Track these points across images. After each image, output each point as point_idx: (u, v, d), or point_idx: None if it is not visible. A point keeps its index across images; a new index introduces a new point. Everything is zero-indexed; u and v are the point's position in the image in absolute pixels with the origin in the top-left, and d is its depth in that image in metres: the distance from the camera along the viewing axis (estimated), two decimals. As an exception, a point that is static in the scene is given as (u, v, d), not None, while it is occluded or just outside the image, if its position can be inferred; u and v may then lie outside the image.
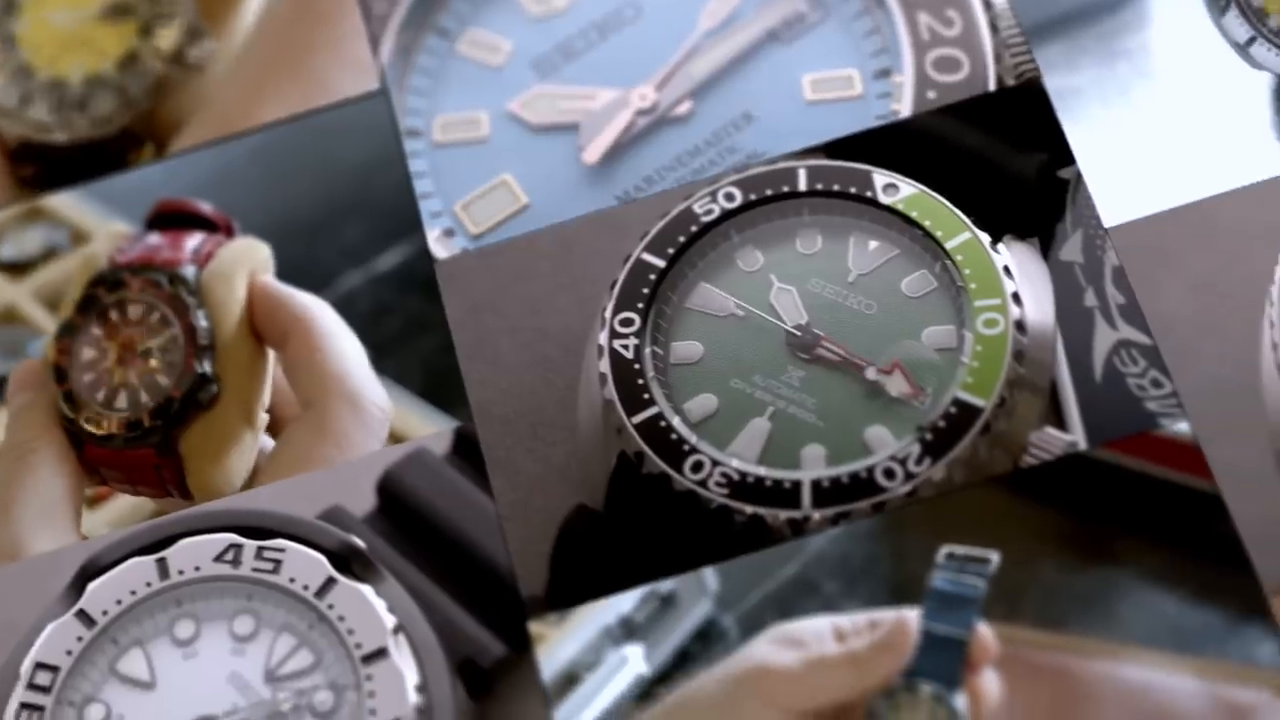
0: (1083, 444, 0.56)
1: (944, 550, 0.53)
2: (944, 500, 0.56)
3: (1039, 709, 0.54)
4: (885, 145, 0.62)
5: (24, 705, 0.57)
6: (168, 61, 0.69)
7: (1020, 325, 0.58)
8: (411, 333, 0.63)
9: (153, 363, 0.62)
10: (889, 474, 0.56)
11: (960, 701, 0.52)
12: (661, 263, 0.60)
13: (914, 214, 0.60)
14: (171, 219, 0.64)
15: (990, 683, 0.52)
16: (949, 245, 0.59)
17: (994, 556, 0.53)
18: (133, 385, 0.61)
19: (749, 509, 0.56)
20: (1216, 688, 0.53)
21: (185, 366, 0.61)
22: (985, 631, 0.52)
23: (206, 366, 0.61)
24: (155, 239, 0.64)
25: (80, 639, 0.57)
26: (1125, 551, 0.55)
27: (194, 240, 0.63)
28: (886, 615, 0.53)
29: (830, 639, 0.53)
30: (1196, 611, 0.54)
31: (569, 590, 0.57)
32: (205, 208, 0.64)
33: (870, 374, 0.58)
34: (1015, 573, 0.55)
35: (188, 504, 0.60)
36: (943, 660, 0.53)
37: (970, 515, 0.56)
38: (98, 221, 0.68)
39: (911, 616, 0.53)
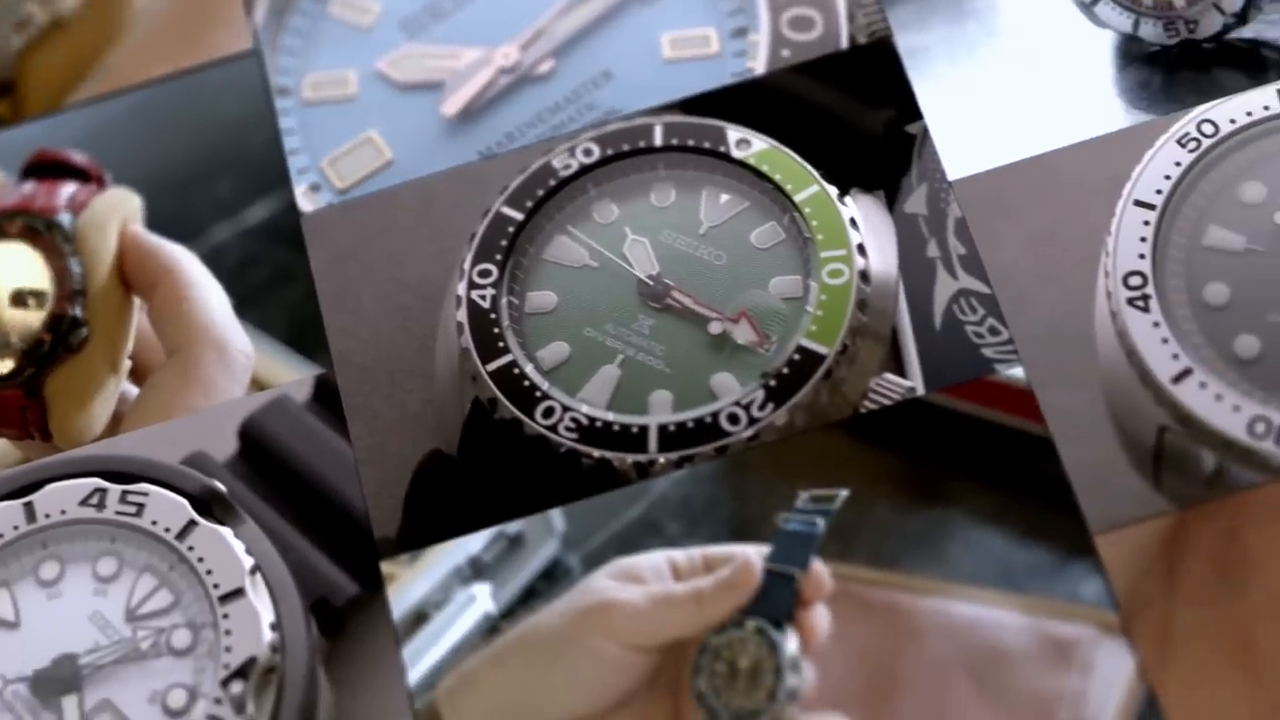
0: (921, 389, 0.57)
1: (805, 494, 0.54)
2: (785, 444, 0.57)
3: (870, 644, 0.54)
4: (740, 102, 0.63)
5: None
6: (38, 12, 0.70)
7: (864, 275, 0.59)
8: (277, 283, 0.63)
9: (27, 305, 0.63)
10: (733, 419, 0.57)
11: (788, 638, 0.53)
12: (520, 216, 0.61)
13: (765, 168, 0.61)
14: (46, 169, 0.65)
15: (820, 618, 0.53)
16: (798, 198, 0.60)
17: (841, 494, 0.54)
18: (3, 328, 0.63)
19: (596, 453, 0.57)
20: (1041, 623, 0.54)
21: (57, 309, 0.62)
22: (819, 569, 0.53)
23: (78, 310, 0.62)
24: (30, 187, 0.64)
25: (-54, 581, 0.59)
26: (957, 493, 0.56)
27: (68, 189, 0.64)
28: (722, 550, 0.54)
29: (668, 574, 0.54)
30: (1024, 550, 0.55)
31: (421, 532, 0.58)
32: (79, 158, 0.65)
33: (718, 323, 0.59)
34: (851, 513, 0.55)
35: (48, 448, 0.61)
36: (776, 596, 0.54)
37: (810, 458, 0.57)
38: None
39: (755, 555, 0.54)
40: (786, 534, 0.54)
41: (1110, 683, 0.53)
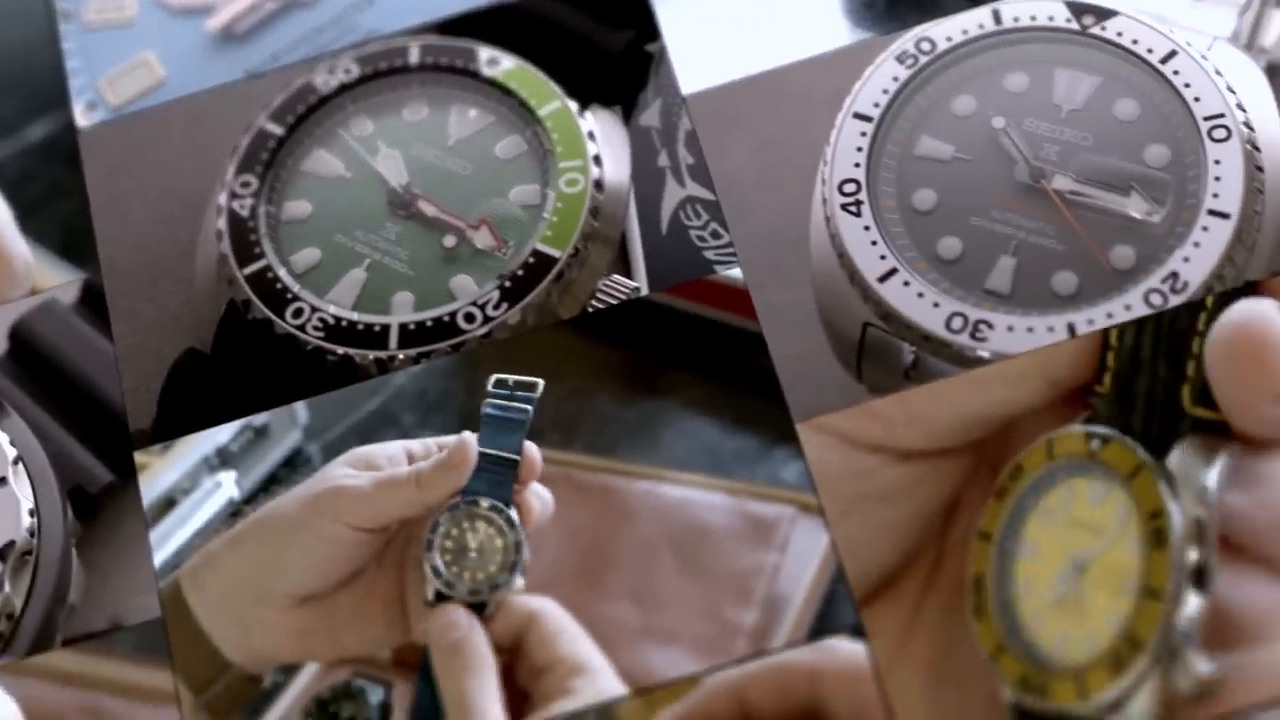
0: (645, 289, 0.60)
1: (492, 378, 0.57)
2: (517, 340, 0.59)
3: (585, 524, 0.57)
4: (493, 24, 0.65)
5: None
6: None
7: (598, 184, 0.61)
8: (54, 197, 0.65)
9: None
10: (469, 318, 0.59)
11: (513, 514, 0.56)
12: (281, 130, 0.63)
13: (512, 85, 0.63)
14: None
15: (536, 497, 0.56)
16: (541, 113, 0.62)
17: (540, 383, 0.56)
18: None
19: (341, 350, 0.59)
20: (744, 503, 0.56)
21: None
22: (532, 451, 0.56)
23: None
24: None
25: None
26: (674, 385, 0.59)
27: None
28: (452, 438, 0.56)
29: (403, 461, 0.56)
30: (733, 438, 0.57)
31: (173, 424, 0.60)
32: None
33: (460, 229, 0.61)
34: (573, 405, 0.58)
35: None
36: (496, 478, 0.56)
37: (539, 353, 0.59)
38: None
39: (471, 439, 0.56)
40: (489, 418, 0.56)
41: (805, 557, 0.55)
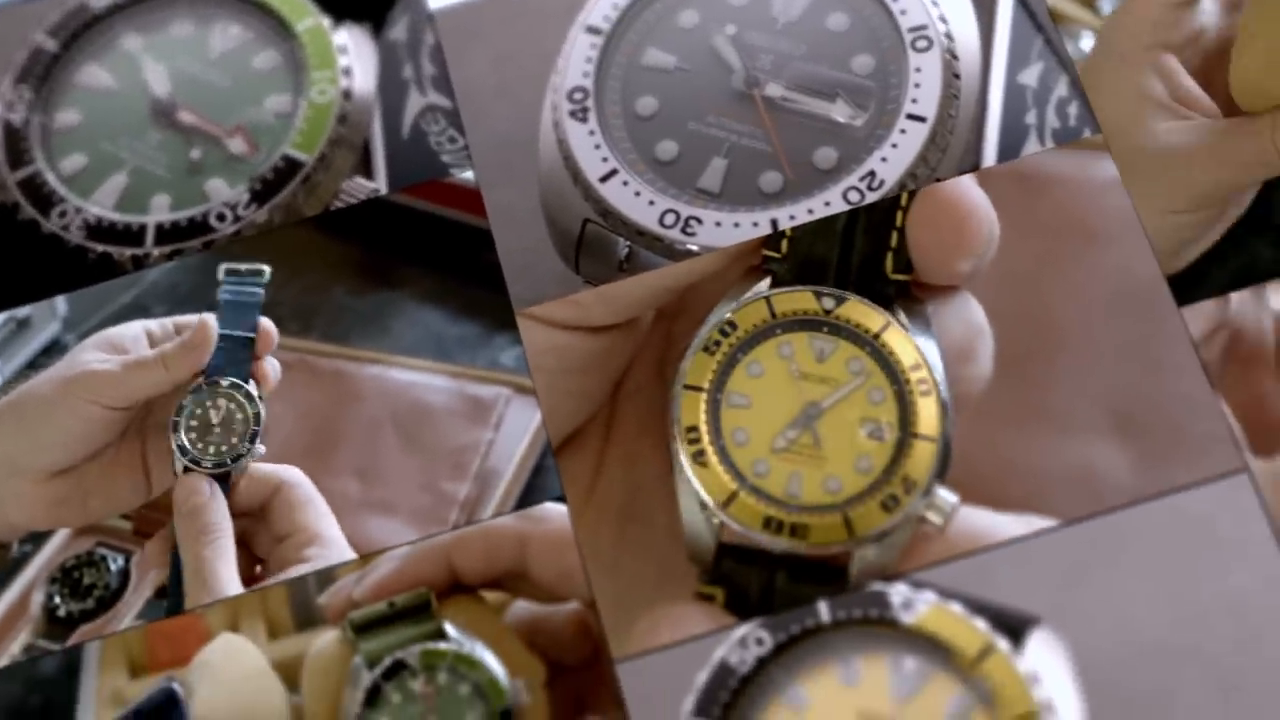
0: (384, 190, 0.63)
1: (223, 267, 0.60)
2: (264, 238, 0.62)
3: (317, 405, 0.60)
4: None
5: None
6: None
7: (347, 94, 0.64)
8: None
9: None
10: (220, 217, 0.62)
11: (251, 388, 0.58)
12: (55, 46, 0.66)
13: (272, 3, 0.65)
14: None
15: (271, 368, 0.59)
16: (297, 28, 0.65)
17: (267, 269, 0.59)
18: None
19: (100, 248, 0.62)
20: (464, 385, 0.59)
21: None
22: (266, 324, 0.58)
23: None
24: None
25: None
26: (405, 278, 0.61)
27: None
28: (189, 317, 0.59)
29: (144, 341, 0.59)
30: (457, 326, 0.60)
31: (-58, 318, 0.63)
32: None
33: (216, 136, 0.63)
34: (311, 297, 0.61)
35: None
36: (235, 357, 0.58)
37: (283, 250, 0.61)
38: None
39: (210, 319, 0.59)
40: (225, 303, 0.59)
41: (517, 434, 0.58)
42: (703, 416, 0.54)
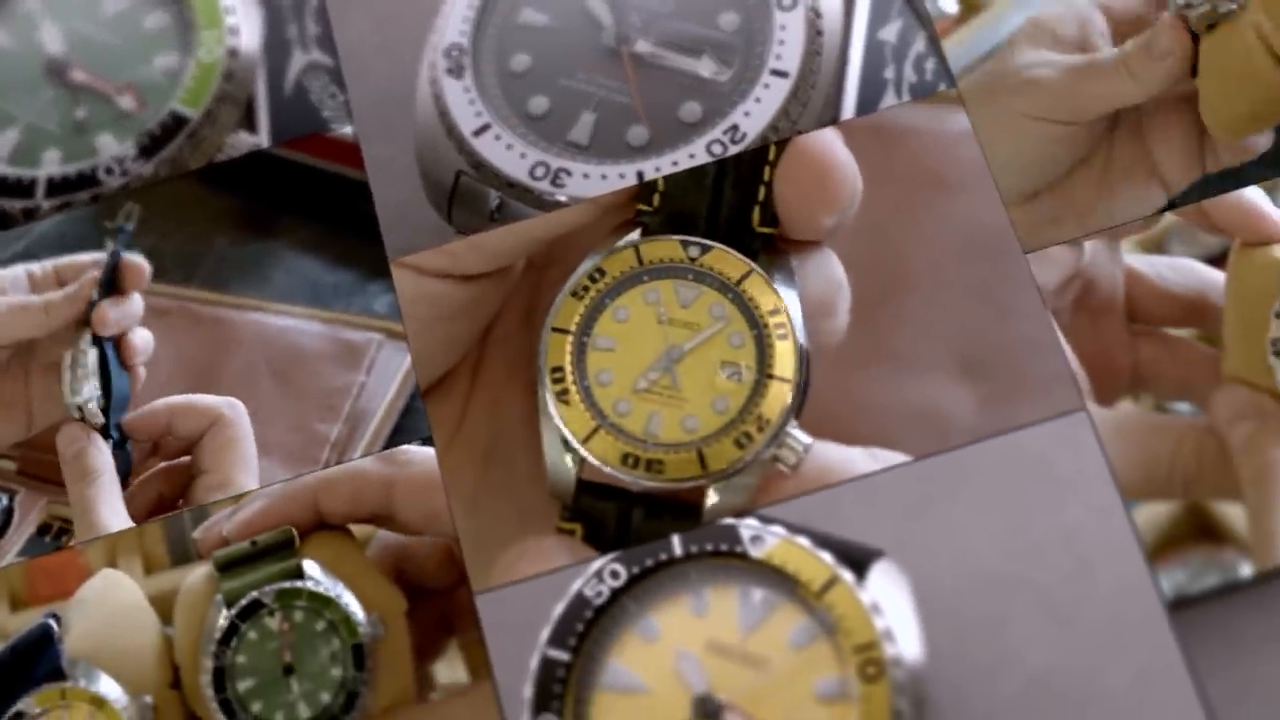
0: (266, 144, 0.64)
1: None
2: (149, 190, 0.63)
3: (196, 351, 0.61)
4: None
5: None
6: None
7: (233, 52, 0.65)
8: None
9: None
10: (109, 171, 0.64)
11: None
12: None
13: (162, -35, 0.68)
14: None
15: (141, 340, 0.60)
16: (170, -6, 0.68)
17: (136, 207, 0.61)
18: None
19: (-9, 201, 0.64)
20: (339, 331, 0.61)
21: None
22: (132, 260, 0.60)
23: None
24: None
25: None
26: (284, 229, 0.63)
27: None
28: (68, 260, 0.61)
29: (24, 281, 0.61)
30: (334, 274, 0.62)
31: None
32: None
33: (107, 93, 0.64)
34: (193, 247, 0.62)
35: None
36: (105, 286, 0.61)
37: (167, 202, 0.63)
38: None
39: (90, 270, 0.60)
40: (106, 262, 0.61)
41: (388, 377, 0.60)
42: (568, 358, 0.56)
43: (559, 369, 0.56)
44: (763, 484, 0.55)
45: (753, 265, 0.56)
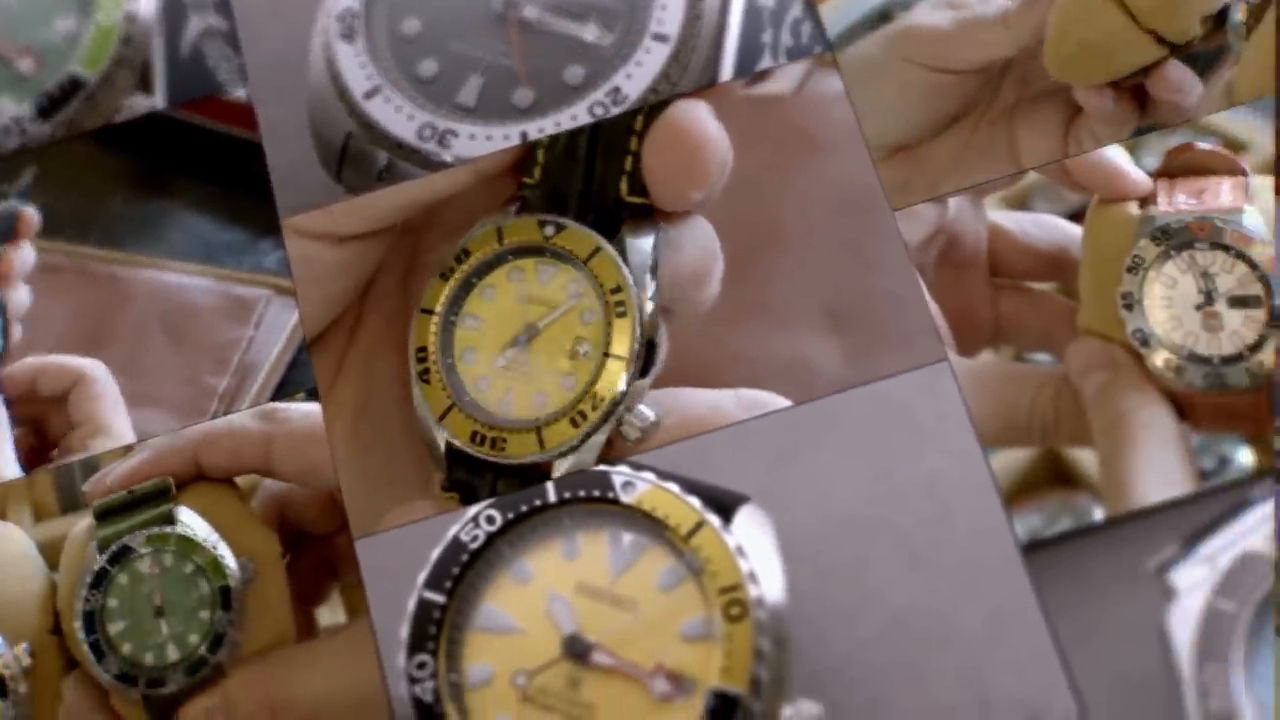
0: (162, 105, 0.65)
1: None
2: (46, 150, 0.64)
3: (89, 307, 0.62)
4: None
5: None
6: None
7: (131, 16, 0.66)
8: None
9: None
10: (6, 131, 0.65)
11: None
12: None
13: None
14: None
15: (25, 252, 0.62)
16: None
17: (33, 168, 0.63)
18: None
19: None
20: (230, 287, 0.62)
21: None
22: (24, 211, 0.62)
23: None
24: None
25: None
26: (178, 189, 0.64)
27: None
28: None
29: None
30: (226, 232, 0.63)
31: None
32: None
33: (8, 57, 0.65)
34: (88, 206, 0.63)
35: None
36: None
37: (64, 162, 0.64)
38: None
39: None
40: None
41: (276, 332, 0.61)
42: (432, 338, 0.58)
43: (423, 349, 0.58)
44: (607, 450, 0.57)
45: (601, 243, 0.57)
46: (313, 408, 0.58)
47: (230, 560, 0.56)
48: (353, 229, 0.59)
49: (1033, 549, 0.55)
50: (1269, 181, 0.59)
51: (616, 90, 0.62)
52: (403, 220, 0.60)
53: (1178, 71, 0.59)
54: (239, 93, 0.64)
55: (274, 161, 0.63)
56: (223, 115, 0.64)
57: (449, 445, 0.56)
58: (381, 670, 0.55)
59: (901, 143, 0.60)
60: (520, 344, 0.58)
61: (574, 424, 0.56)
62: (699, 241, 0.58)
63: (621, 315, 0.56)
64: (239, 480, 0.58)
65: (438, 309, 0.58)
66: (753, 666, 0.52)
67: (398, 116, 0.62)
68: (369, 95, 0.63)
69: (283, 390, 0.59)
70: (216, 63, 0.65)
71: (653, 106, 0.60)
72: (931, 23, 0.61)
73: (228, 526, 0.56)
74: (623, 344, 0.56)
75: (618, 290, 0.57)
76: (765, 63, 0.62)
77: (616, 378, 0.56)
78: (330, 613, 0.57)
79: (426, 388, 0.57)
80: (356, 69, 0.63)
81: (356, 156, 0.62)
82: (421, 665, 0.54)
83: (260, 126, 0.63)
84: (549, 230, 0.58)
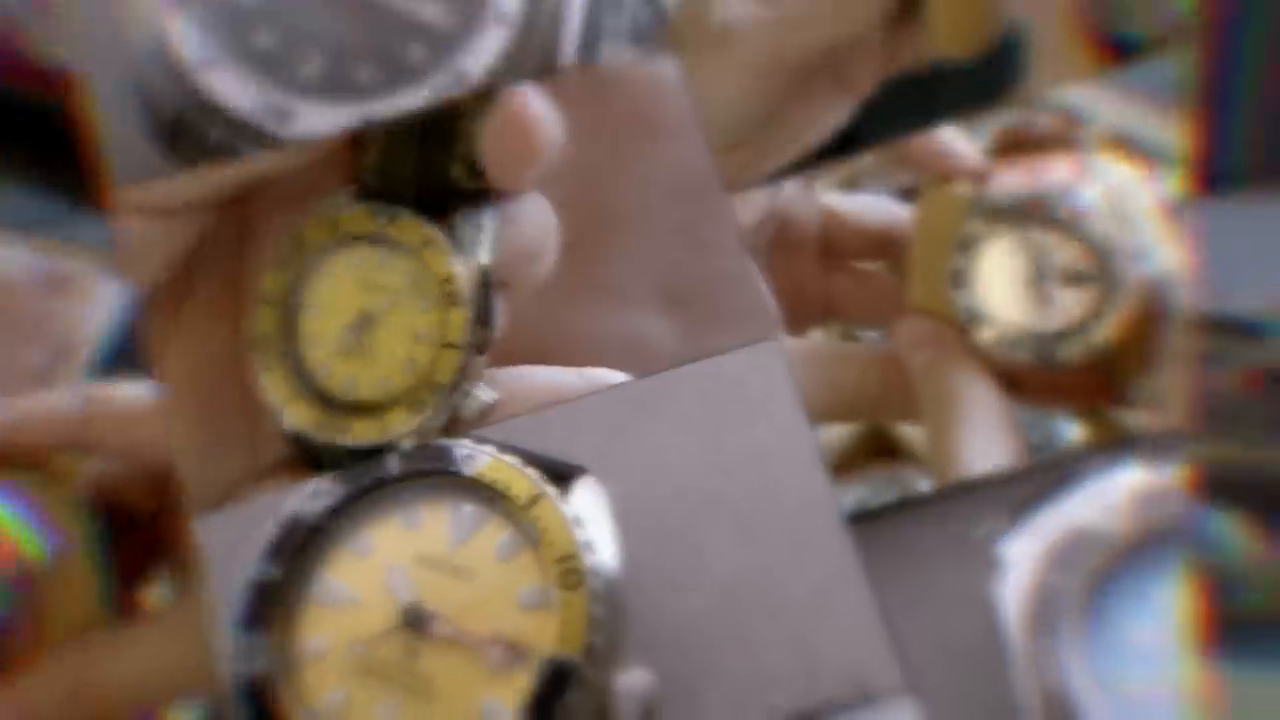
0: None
1: None
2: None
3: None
4: None
5: None
6: None
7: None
8: None
9: None
10: None
11: None
12: None
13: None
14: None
15: None
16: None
17: None
18: None
19: None
20: (50, 260, 0.61)
21: None
22: None
23: None
24: None
25: None
26: (-3, 159, 0.63)
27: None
28: None
29: None
30: (49, 205, 0.61)
31: None
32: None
33: None
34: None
35: None
36: None
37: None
38: None
39: None
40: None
41: (98, 307, 0.59)
42: (272, 326, 0.58)
43: (263, 338, 0.57)
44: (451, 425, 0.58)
45: (434, 233, 0.57)
46: (138, 384, 0.58)
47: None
48: (178, 204, 0.58)
49: (859, 520, 0.57)
50: (1111, 159, 0.61)
51: (458, 72, 0.62)
52: (230, 196, 0.59)
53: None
54: (64, 61, 0.63)
55: (102, 133, 0.62)
56: (46, 84, 0.63)
57: (292, 431, 0.56)
58: (209, 649, 0.55)
59: (737, 132, 0.62)
60: (359, 331, 0.58)
61: (412, 410, 0.56)
62: (534, 219, 0.59)
63: (454, 304, 0.57)
64: (58, 459, 0.57)
65: (276, 298, 0.58)
66: (587, 634, 0.53)
67: (233, 91, 0.61)
68: (202, 67, 0.62)
69: (106, 365, 0.59)
70: (42, 31, 0.64)
71: (484, 90, 0.61)
72: (748, 25, 0.63)
73: (35, 506, 0.55)
74: (456, 332, 0.57)
75: (449, 280, 0.57)
76: (608, 46, 0.63)
77: (453, 364, 0.57)
78: (158, 592, 0.57)
79: (268, 374, 0.57)
80: (190, 39, 0.62)
81: (189, 131, 0.61)
82: (254, 642, 0.54)
83: (87, 97, 0.62)
84: (382, 220, 0.58)
